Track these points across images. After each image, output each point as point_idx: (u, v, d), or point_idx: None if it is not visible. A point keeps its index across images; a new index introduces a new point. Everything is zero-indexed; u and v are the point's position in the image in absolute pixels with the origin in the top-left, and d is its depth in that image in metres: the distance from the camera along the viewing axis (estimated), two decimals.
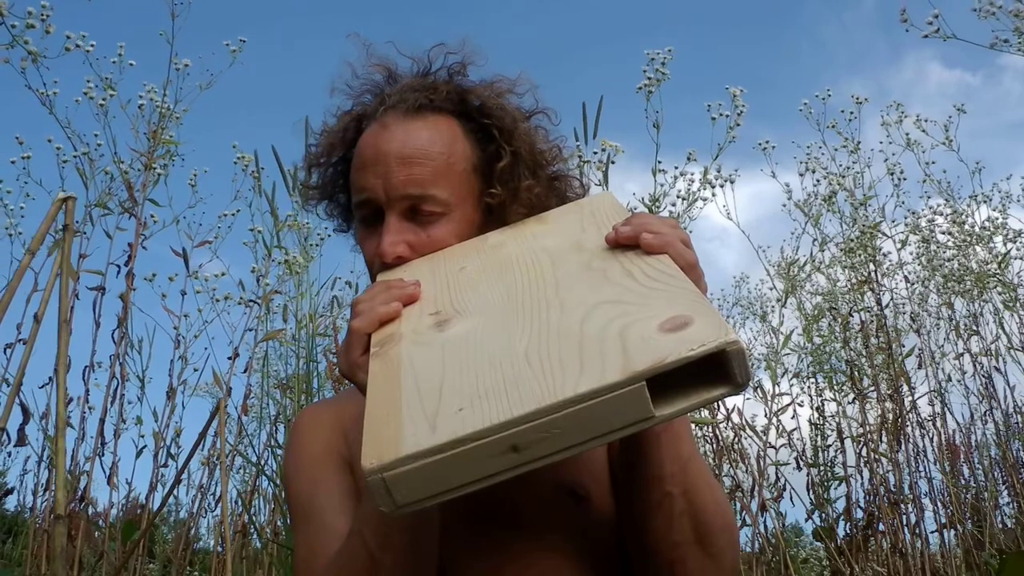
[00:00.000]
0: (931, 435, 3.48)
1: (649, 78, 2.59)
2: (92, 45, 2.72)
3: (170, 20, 2.81)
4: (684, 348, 0.58)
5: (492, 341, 0.68)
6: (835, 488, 3.28)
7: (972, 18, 2.51)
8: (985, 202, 3.89)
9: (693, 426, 2.83)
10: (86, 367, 2.77)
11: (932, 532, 3.37)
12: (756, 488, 3.14)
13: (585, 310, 0.67)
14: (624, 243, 0.76)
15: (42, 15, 2.52)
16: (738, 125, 2.64)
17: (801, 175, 3.52)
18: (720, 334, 0.58)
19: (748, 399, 3.62)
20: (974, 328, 3.79)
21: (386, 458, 0.58)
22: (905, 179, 3.62)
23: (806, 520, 3.22)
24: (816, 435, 3.44)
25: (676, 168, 2.82)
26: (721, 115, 2.65)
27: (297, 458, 0.93)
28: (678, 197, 2.84)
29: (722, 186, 2.87)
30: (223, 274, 2.90)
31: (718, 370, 0.58)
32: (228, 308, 2.82)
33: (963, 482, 3.62)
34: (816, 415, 3.50)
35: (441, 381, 0.65)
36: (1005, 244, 3.84)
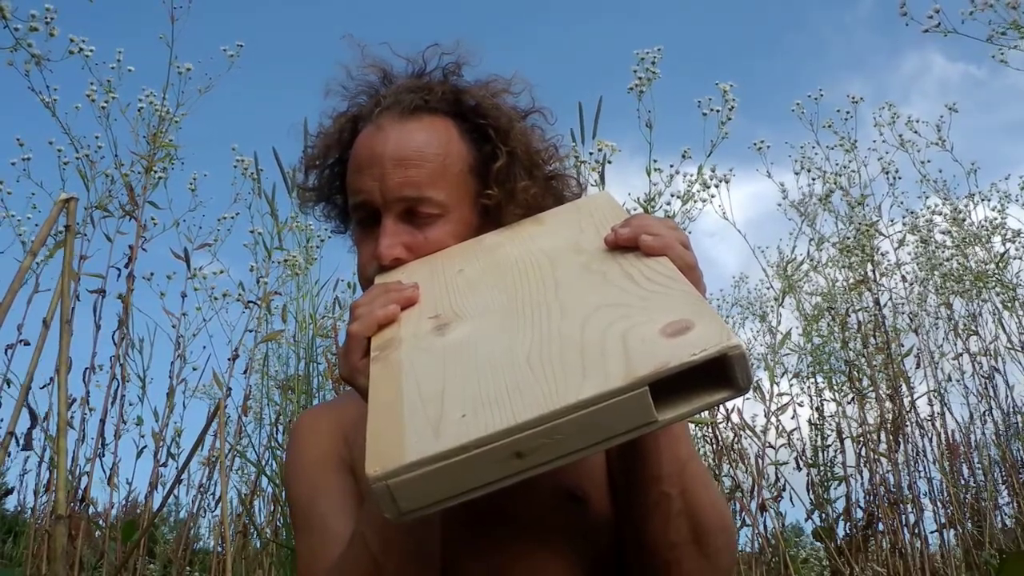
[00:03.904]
0: (930, 435, 3.48)
1: (640, 78, 2.57)
2: (92, 50, 2.72)
3: (170, 24, 2.80)
4: (686, 353, 0.57)
5: (493, 345, 0.68)
6: (835, 488, 3.29)
7: (972, 11, 2.48)
8: (984, 201, 3.88)
9: (692, 427, 2.83)
10: (87, 368, 2.78)
11: (932, 532, 3.38)
12: (756, 488, 3.14)
13: (586, 313, 0.67)
14: (623, 245, 0.75)
15: (46, 18, 2.52)
16: (729, 120, 2.60)
17: (796, 173, 3.52)
18: (722, 338, 0.58)
19: (748, 399, 3.62)
20: (973, 328, 3.79)
21: (390, 465, 0.58)
22: (901, 178, 3.63)
23: (806, 520, 3.23)
24: (816, 435, 3.44)
25: (672, 167, 2.78)
26: (712, 110, 2.61)
27: (297, 463, 0.93)
28: (672, 196, 2.81)
29: (717, 186, 2.84)
30: (221, 272, 2.90)
31: (720, 374, 0.58)
32: (227, 305, 2.82)
33: (963, 482, 3.62)
34: (816, 415, 3.50)
35: (443, 386, 0.64)
36: (1004, 244, 3.84)
